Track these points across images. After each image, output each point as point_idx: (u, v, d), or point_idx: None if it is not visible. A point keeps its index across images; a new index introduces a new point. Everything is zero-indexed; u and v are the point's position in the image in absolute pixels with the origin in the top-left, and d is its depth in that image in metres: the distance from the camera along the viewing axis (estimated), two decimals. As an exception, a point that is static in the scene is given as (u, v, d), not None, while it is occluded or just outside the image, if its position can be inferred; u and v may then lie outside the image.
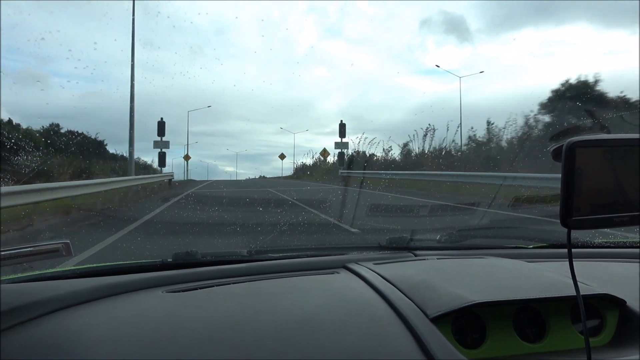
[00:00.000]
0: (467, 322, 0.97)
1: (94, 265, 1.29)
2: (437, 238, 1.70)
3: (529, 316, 1.00)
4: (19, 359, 0.81)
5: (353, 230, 6.04)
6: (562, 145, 0.70)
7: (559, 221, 0.71)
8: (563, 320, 1.00)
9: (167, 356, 0.80)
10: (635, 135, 0.72)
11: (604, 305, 1.04)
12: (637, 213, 0.72)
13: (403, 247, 1.53)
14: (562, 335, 0.99)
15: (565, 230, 0.72)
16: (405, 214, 7.78)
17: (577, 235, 1.75)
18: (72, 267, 1.25)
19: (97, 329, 0.90)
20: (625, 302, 1.03)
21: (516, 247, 1.62)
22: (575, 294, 0.76)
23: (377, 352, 0.83)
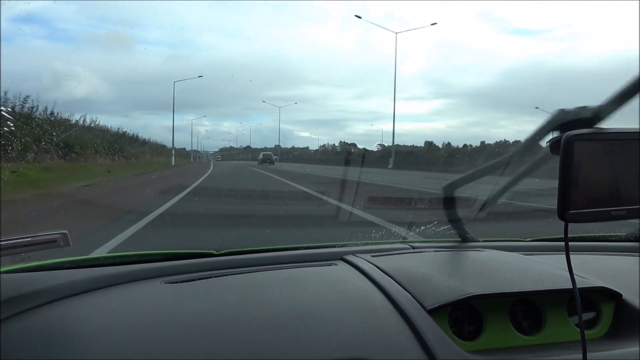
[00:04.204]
0: (464, 314, 0.97)
1: (93, 256, 1.29)
2: (435, 230, 1.70)
3: (526, 309, 1.01)
4: (18, 349, 0.82)
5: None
6: (561, 137, 0.70)
7: (556, 214, 0.71)
8: (559, 313, 1.01)
9: (165, 346, 0.81)
10: (635, 129, 0.72)
11: (600, 298, 1.04)
12: (636, 206, 0.72)
13: (401, 240, 1.54)
14: (558, 327, 1.00)
15: (563, 223, 0.73)
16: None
17: (575, 228, 1.75)
18: (71, 258, 1.25)
19: (95, 320, 0.91)
20: (621, 295, 1.04)
21: (513, 240, 1.62)
22: (571, 287, 0.76)
23: (374, 344, 0.83)
